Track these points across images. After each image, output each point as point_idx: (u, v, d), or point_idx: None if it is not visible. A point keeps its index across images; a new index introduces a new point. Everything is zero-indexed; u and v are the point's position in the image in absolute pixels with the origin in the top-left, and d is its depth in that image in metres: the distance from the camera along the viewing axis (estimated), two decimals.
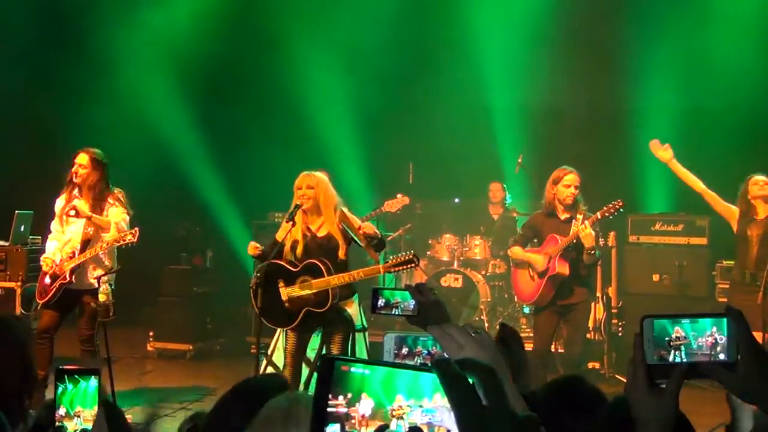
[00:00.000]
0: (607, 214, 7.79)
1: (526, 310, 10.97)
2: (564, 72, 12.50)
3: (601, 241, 8.26)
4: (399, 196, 9.08)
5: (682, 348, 1.66)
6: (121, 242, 7.34)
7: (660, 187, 11.95)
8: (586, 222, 7.64)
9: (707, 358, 1.67)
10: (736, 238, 8.28)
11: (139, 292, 11.32)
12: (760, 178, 8.14)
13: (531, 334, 9.07)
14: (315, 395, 1.49)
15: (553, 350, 8.98)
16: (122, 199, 7.83)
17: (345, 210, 7.09)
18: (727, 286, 9.12)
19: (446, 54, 13.01)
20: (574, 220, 7.83)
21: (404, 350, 2.56)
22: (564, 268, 7.81)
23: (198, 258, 11.98)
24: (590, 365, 10.17)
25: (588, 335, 9.69)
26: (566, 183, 7.95)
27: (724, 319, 1.68)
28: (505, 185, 12.09)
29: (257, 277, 6.89)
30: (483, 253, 11.61)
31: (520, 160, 11.38)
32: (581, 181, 7.97)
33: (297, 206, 6.97)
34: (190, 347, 11.13)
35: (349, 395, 1.47)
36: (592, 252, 7.69)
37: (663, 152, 8.39)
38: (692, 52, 11.91)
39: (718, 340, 1.67)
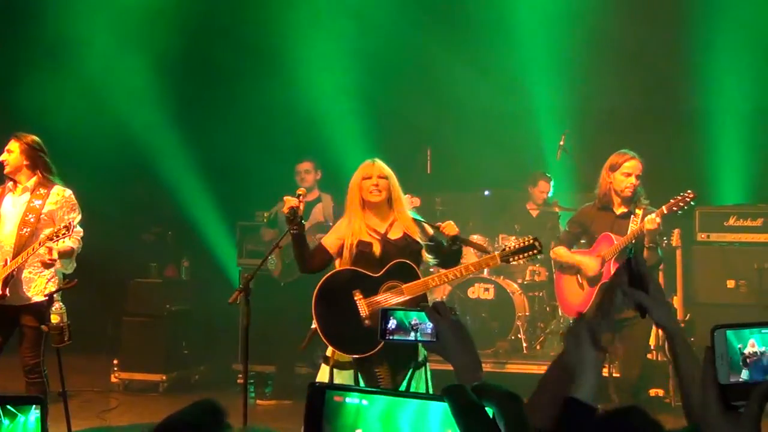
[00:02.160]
0: (675, 209, 7.66)
1: None
2: (616, 41, 12.46)
3: (663, 241, 8.20)
4: (407, 196, 8.78)
5: (763, 363, 1.63)
6: (54, 239, 7.21)
7: (733, 173, 11.90)
8: (653, 214, 7.55)
9: None
10: None
11: (100, 310, 11.32)
12: None
13: None
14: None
15: (606, 374, 8.93)
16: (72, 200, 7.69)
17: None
18: None
19: (476, 24, 12.96)
20: (632, 216, 7.77)
21: (392, 324, 2.60)
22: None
23: (171, 269, 11.98)
24: (652, 392, 10.12)
25: (649, 356, 9.64)
26: (626, 170, 7.87)
27: None
28: (552, 183, 12.01)
29: (245, 283, 6.71)
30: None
31: (562, 143, 11.32)
32: (644, 168, 7.90)
33: (293, 210, 6.54)
34: (163, 378, 11.08)
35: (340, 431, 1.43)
36: (653, 246, 7.60)
37: None
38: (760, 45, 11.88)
39: None
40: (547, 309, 11.45)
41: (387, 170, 6.75)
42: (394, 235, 6.70)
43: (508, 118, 12.67)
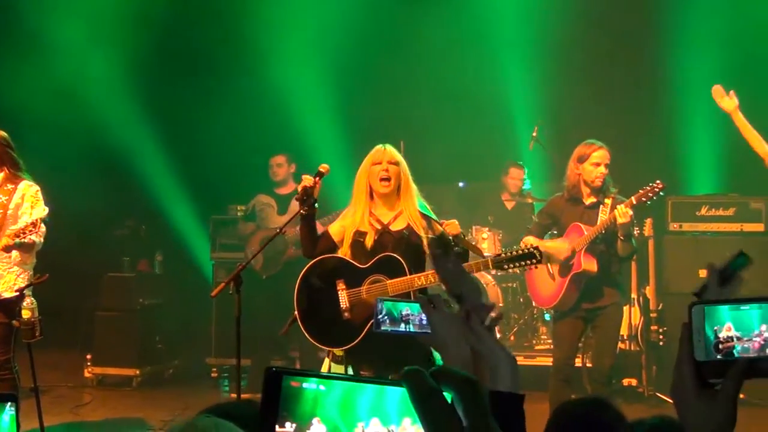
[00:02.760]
0: (644, 199, 7.66)
1: (547, 317, 10.95)
2: (590, 35, 12.49)
3: (636, 231, 8.22)
4: (326, 170, 8.04)
5: (741, 340, 1.63)
6: (21, 236, 7.17)
7: (705, 163, 11.94)
8: (624, 206, 7.56)
9: None
10: None
11: (73, 305, 11.28)
12: None
13: (551, 346, 9.05)
14: (259, 420, 1.41)
15: (579, 364, 8.96)
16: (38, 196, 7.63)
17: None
18: None
19: (447, 15, 12.95)
20: (602, 206, 7.78)
21: (383, 314, 2.43)
22: (591, 265, 7.72)
23: (144, 263, 11.94)
24: (625, 381, 10.16)
25: (621, 345, 9.67)
26: (595, 161, 7.87)
27: None
28: (526, 170, 12.03)
29: (235, 275, 6.44)
30: (492, 249, 11.56)
31: (534, 134, 11.35)
32: (612, 158, 7.91)
33: (307, 190, 6.35)
34: (137, 372, 11.05)
35: (298, 419, 1.40)
36: (627, 237, 7.63)
37: (727, 101, 8.12)
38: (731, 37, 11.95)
39: None
40: (521, 300, 11.48)
41: (398, 156, 6.51)
42: (397, 226, 6.46)
43: (482, 110, 12.65)
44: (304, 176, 6.52)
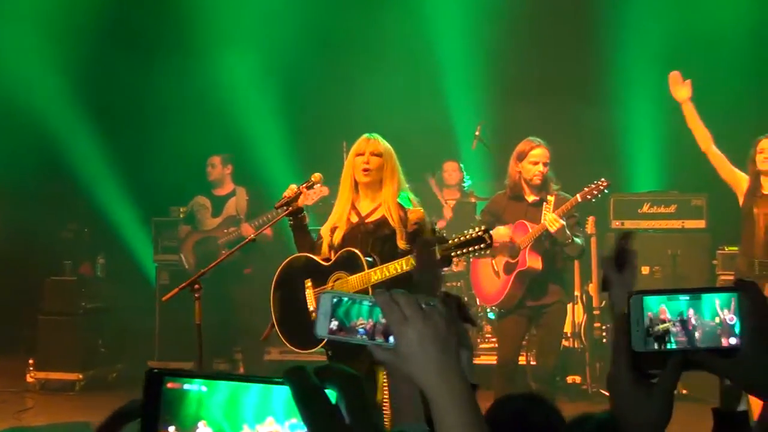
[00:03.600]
0: (589, 197, 7.70)
1: (491, 315, 10.98)
2: (530, 33, 12.55)
3: (580, 230, 8.28)
4: (316, 185, 7.00)
5: (679, 332, 1.65)
6: None
7: (647, 161, 12.04)
8: (546, 211, 7.63)
9: (713, 344, 1.66)
10: (742, 217, 8.25)
11: (14, 310, 11.17)
12: (766, 143, 8.04)
13: (496, 344, 9.08)
14: (141, 424, 1.37)
15: (524, 362, 9.00)
16: None
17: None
18: (732, 278, 9.15)
19: (387, 14, 12.95)
20: (545, 203, 7.82)
21: (333, 324, 1.68)
22: (535, 262, 7.75)
23: (86, 266, 11.85)
24: (569, 379, 10.22)
25: (565, 343, 9.72)
26: (533, 159, 7.90)
27: (735, 295, 1.67)
28: (462, 165, 12.08)
29: (195, 279, 6.33)
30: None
31: (477, 133, 11.38)
32: (552, 156, 7.95)
33: (288, 201, 6.29)
34: (80, 376, 10.95)
35: (182, 423, 1.36)
36: (569, 242, 7.68)
37: (681, 90, 8.09)
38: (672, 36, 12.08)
39: (728, 321, 1.66)
40: (465, 299, 11.50)
41: (383, 147, 6.35)
42: (374, 217, 6.31)
43: (423, 110, 12.68)
44: (290, 186, 6.45)
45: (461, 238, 5.80)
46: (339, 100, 12.69)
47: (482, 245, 5.80)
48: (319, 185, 6.61)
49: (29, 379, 10.98)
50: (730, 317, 1.65)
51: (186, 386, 1.36)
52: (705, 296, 1.67)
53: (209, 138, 11.89)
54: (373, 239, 6.21)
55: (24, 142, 12.38)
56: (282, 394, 1.36)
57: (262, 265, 10.92)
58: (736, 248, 8.85)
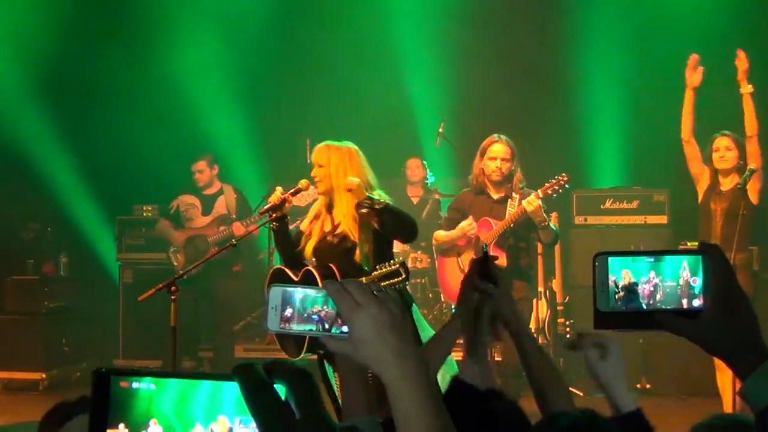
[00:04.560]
0: (549, 192, 7.78)
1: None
2: (492, 30, 12.59)
3: (551, 218, 8.35)
4: (303, 191, 6.92)
5: (642, 293, 1.68)
6: None
7: (608, 157, 12.10)
8: (531, 195, 7.68)
9: (677, 305, 1.70)
10: (700, 212, 8.41)
11: None
12: (722, 141, 8.22)
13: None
14: (89, 424, 1.35)
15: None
16: None
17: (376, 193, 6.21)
18: None
19: (351, 10, 12.95)
20: (510, 200, 7.87)
21: (288, 311, 1.67)
22: (500, 259, 7.81)
23: (49, 265, 11.80)
24: None
25: None
26: (492, 155, 7.97)
27: (699, 258, 1.70)
28: (425, 161, 12.10)
29: (171, 281, 6.28)
30: (400, 245, 11.55)
31: (441, 129, 11.40)
32: (515, 152, 8.01)
33: (274, 207, 6.32)
34: (43, 376, 10.89)
35: (133, 421, 1.35)
36: (545, 224, 7.74)
37: (694, 75, 8.26)
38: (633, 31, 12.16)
39: (692, 283, 1.69)
40: (430, 296, 11.52)
41: (326, 156, 6.27)
42: (339, 230, 6.28)
43: (385, 106, 12.67)
44: (276, 191, 6.45)
45: (377, 273, 5.76)
46: (302, 97, 12.69)
47: (399, 278, 5.73)
48: (307, 191, 6.59)
49: None
50: (694, 279, 1.68)
51: (135, 384, 1.35)
52: (669, 258, 1.70)
53: (173, 136, 11.86)
54: (337, 252, 6.26)
55: None
56: (233, 390, 1.35)
57: (252, 263, 10.98)
58: (696, 243, 8.92)
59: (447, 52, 12.53)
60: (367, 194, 6.09)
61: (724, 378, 7.92)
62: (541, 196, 7.72)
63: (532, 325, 9.87)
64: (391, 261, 5.87)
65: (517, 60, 12.51)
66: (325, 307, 1.67)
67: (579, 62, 12.30)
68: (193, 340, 10.99)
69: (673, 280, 1.69)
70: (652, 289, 1.69)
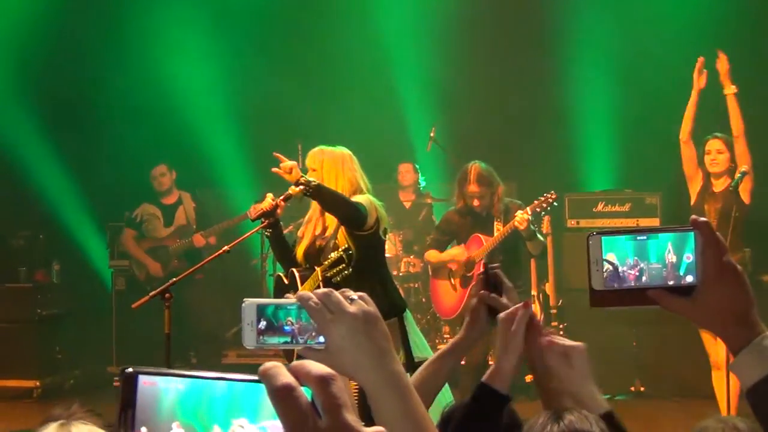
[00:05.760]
0: (538, 209, 7.94)
1: None
2: (484, 35, 12.61)
3: (541, 226, 8.42)
4: (294, 197, 7.03)
5: (636, 271, 1.70)
6: None
7: (600, 160, 12.12)
8: (522, 212, 7.77)
9: (670, 282, 1.72)
10: (693, 212, 8.41)
11: None
12: (714, 144, 8.28)
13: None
14: (116, 425, 1.34)
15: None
16: None
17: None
18: None
19: (341, 11, 12.97)
20: (495, 221, 7.97)
21: (262, 324, 1.70)
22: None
23: (41, 273, 11.77)
24: (527, 378, 10.25)
25: None
26: (470, 179, 8.15)
27: (690, 234, 1.72)
28: (417, 166, 12.10)
29: (165, 288, 6.24)
30: (393, 249, 11.47)
31: (432, 134, 11.43)
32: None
33: (265, 213, 6.32)
34: (37, 383, 10.91)
35: (156, 422, 1.33)
36: (531, 238, 7.81)
37: (700, 78, 8.38)
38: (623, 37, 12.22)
39: (685, 260, 1.72)
40: (423, 300, 11.51)
41: (318, 160, 6.35)
42: (328, 233, 6.37)
43: (376, 110, 12.68)
44: (267, 198, 6.45)
45: (324, 265, 5.91)
46: (293, 101, 12.68)
47: (342, 265, 5.87)
48: (298, 197, 6.59)
49: None
50: (687, 256, 1.70)
51: (161, 384, 1.34)
52: (661, 236, 1.72)
53: (163, 141, 11.87)
54: (325, 255, 6.23)
55: None
56: (257, 392, 1.34)
57: (213, 272, 10.95)
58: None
59: (439, 56, 12.53)
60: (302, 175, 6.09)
61: (719, 379, 7.95)
62: (530, 213, 7.81)
63: None
64: (339, 249, 5.96)
65: (508, 64, 12.53)
66: (299, 319, 1.69)
67: (570, 66, 12.32)
68: (181, 345, 10.98)
69: (667, 256, 1.72)
70: (647, 267, 1.71)
